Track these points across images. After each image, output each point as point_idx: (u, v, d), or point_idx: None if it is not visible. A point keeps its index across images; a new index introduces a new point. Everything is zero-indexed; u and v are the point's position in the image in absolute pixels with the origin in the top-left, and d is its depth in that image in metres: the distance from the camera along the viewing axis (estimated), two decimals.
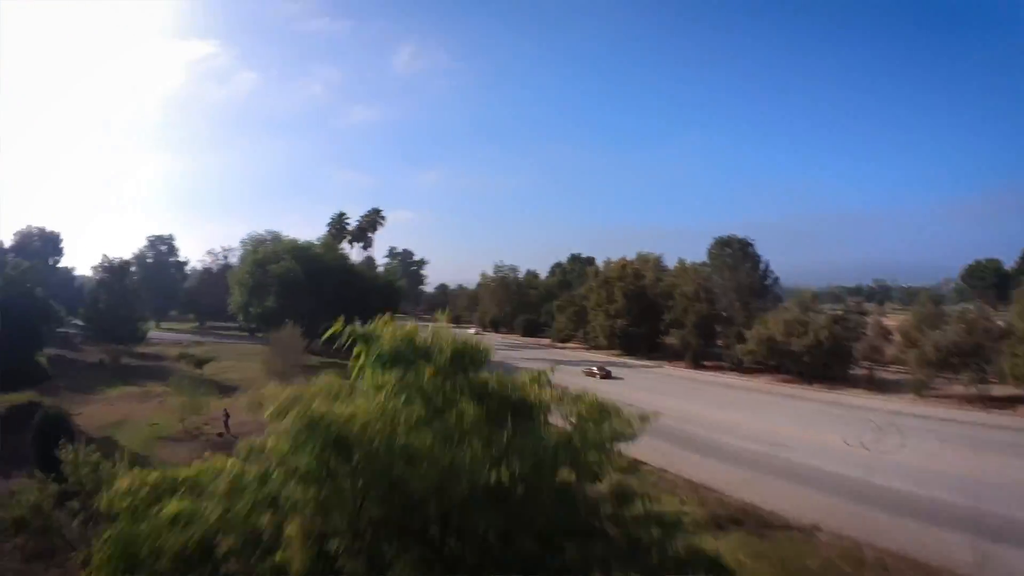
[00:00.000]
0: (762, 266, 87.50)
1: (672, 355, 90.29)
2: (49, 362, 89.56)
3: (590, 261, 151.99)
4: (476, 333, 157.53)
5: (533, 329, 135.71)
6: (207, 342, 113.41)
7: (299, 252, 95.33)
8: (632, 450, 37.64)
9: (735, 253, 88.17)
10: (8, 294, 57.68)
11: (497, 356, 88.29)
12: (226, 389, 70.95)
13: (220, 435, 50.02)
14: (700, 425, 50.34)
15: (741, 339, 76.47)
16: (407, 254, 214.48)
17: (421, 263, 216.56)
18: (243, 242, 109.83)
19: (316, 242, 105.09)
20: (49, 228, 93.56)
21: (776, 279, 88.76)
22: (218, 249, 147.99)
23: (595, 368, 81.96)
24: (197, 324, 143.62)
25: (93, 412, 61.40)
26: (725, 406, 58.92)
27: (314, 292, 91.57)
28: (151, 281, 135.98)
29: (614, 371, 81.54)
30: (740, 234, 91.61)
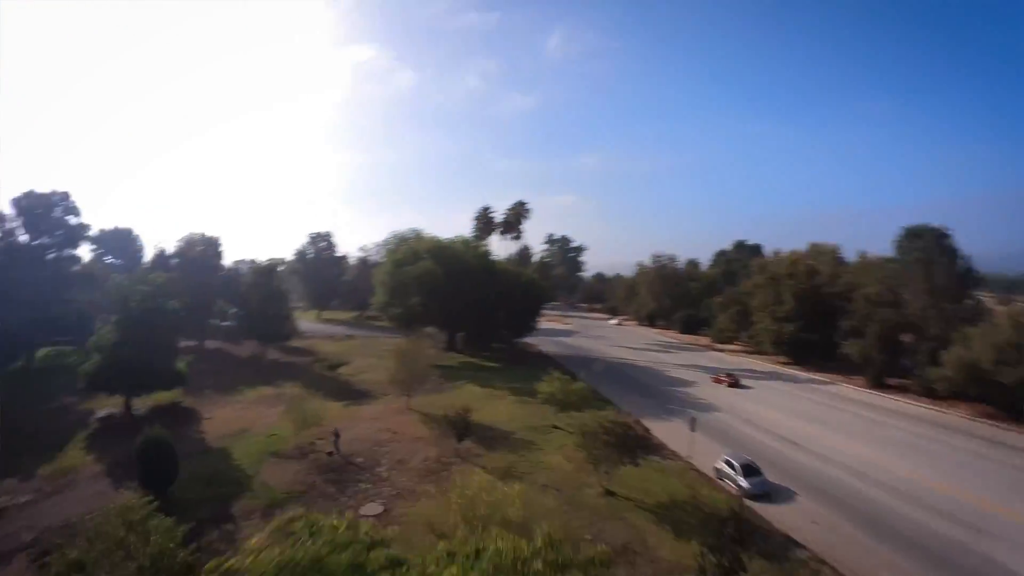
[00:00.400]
0: (962, 263, 71.72)
1: (849, 368, 77.18)
2: (210, 355, 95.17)
3: (757, 249, 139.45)
4: (618, 324, 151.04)
5: (693, 326, 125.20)
6: (358, 335, 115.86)
7: (438, 251, 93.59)
8: (789, 517, 29.80)
9: (928, 247, 73.94)
10: (144, 309, 60.90)
11: (647, 359, 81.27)
12: (357, 394, 70.43)
13: (330, 454, 48.95)
14: (875, 482, 40.95)
15: (934, 359, 62.80)
16: (565, 241, 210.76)
17: (579, 250, 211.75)
18: (386, 240, 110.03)
19: (458, 239, 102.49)
20: (209, 233, 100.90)
21: (980, 279, 73.53)
22: (370, 245, 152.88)
23: (723, 375, 75.10)
24: (356, 314, 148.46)
25: (223, 417, 62.96)
26: (909, 452, 47.79)
27: (454, 292, 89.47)
28: (312, 274, 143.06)
29: (773, 384, 73.33)
30: (932, 220, 76.94)
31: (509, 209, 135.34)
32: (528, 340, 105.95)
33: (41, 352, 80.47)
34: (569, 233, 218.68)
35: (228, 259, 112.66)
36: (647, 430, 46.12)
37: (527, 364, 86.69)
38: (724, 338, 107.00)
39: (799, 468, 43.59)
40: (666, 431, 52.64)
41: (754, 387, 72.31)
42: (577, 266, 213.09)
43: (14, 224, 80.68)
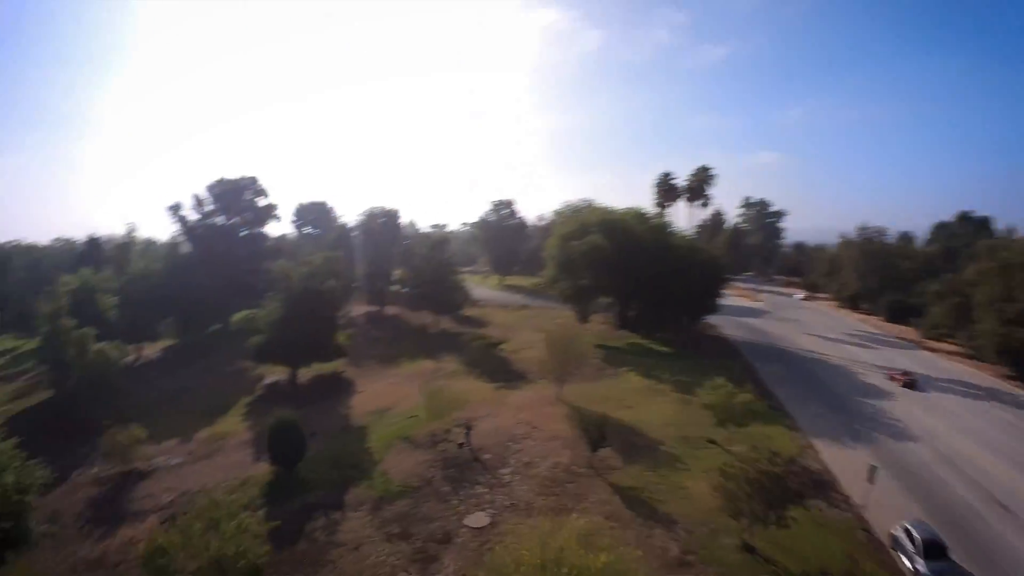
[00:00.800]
0: None
1: None
2: (386, 322, 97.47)
3: (985, 224, 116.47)
4: (803, 298, 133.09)
5: (900, 314, 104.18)
6: (533, 306, 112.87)
7: (608, 225, 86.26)
8: None
9: None
10: (305, 289, 63.52)
11: (840, 354, 68.65)
12: (513, 376, 67.12)
13: (460, 445, 46.12)
14: None
15: None
16: (763, 204, 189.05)
17: (778, 215, 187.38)
18: (559, 211, 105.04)
19: (630, 210, 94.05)
20: (389, 206, 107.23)
21: None
22: (548, 214, 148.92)
23: (899, 373, 63.68)
24: (537, 281, 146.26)
25: (375, 391, 62.88)
26: None
27: (624, 269, 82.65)
28: (493, 241, 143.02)
29: (988, 408, 57.38)
30: None
31: (692, 174, 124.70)
32: (709, 320, 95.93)
33: (237, 316, 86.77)
34: (769, 196, 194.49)
35: (423, 225, 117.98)
36: (794, 470, 37.25)
37: (702, 351, 77.75)
38: (937, 335, 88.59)
39: (1007, 552, 31.93)
40: (843, 462, 42.35)
41: (963, 409, 57.21)
42: (775, 233, 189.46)
43: (211, 207, 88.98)
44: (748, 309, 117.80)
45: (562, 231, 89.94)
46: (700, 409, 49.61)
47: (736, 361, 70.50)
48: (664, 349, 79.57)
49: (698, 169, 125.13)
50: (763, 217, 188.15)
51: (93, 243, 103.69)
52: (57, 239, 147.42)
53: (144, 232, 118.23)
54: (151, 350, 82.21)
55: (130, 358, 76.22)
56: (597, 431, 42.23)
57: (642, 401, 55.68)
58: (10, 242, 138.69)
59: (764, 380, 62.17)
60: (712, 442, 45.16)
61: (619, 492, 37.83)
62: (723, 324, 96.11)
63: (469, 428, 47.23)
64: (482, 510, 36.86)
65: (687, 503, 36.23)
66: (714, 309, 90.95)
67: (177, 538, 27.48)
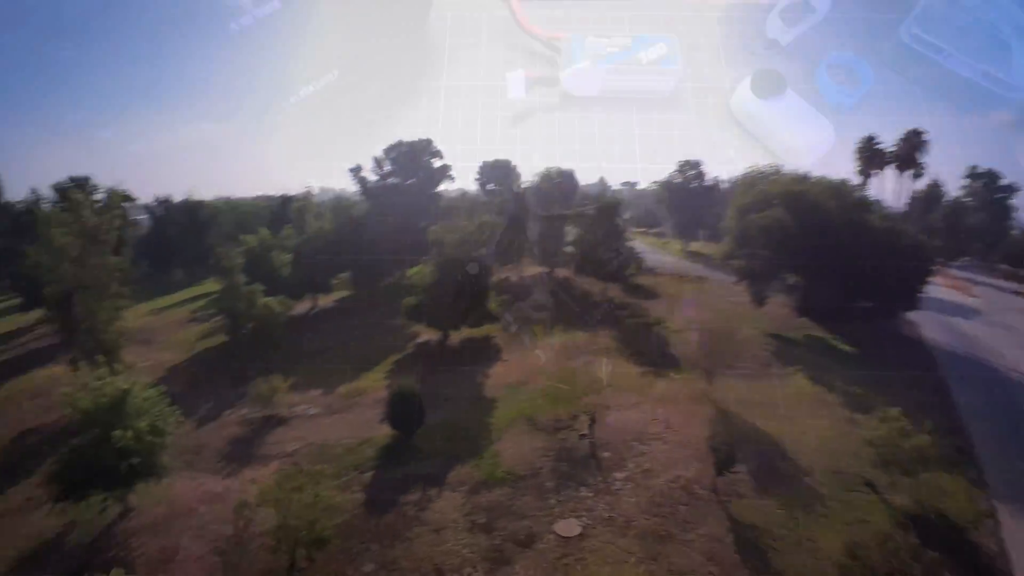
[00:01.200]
0: None
1: None
2: (554, 286, 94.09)
3: None
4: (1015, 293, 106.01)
5: None
6: (712, 278, 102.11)
7: (793, 197, 74.15)
8: None
9: None
10: (458, 254, 62.48)
11: None
12: (665, 361, 59.73)
13: (583, 436, 42.76)
14: None
15: None
16: (992, 177, 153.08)
17: (1011, 190, 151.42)
18: (745, 175, 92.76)
19: (821, 181, 78.66)
20: (564, 167, 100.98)
21: None
22: (732, 177, 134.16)
23: None
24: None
25: (518, 361, 60.98)
26: None
27: (810, 251, 71.23)
28: (678, 204, 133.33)
29: None
30: None
31: (901, 139, 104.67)
32: (908, 317, 79.95)
33: (411, 271, 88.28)
34: (1000, 166, 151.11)
35: (614, 183, 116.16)
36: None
37: (892, 355, 63.28)
38: None
39: None
40: None
41: None
42: (1005, 212, 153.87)
43: (389, 169, 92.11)
44: (958, 306, 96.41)
45: (740, 202, 79.70)
46: (868, 435, 40.32)
47: (928, 376, 57.88)
48: (846, 348, 67.30)
49: (908, 133, 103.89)
50: (991, 192, 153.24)
51: (285, 201, 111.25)
52: (259, 196, 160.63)
53: (335, 187, 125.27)
54: (326, 301, 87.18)
55: (306, 307, 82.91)
56: (725, 453, 35.89)
57: (801, 413, 46.63)
58: (220, 197, 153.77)
59: (957, 407, 49.95)
60: (869, 485, 36.68)
61: (736, 528, 32.23)
62: (924, 322, 79.40)
63: (593, 420, 43.52)
64: (577, 516, 33.75)
65: (809, 561, 29.76)
66: (914, 305, 75.74)
67: (261, 498, 30.43)
